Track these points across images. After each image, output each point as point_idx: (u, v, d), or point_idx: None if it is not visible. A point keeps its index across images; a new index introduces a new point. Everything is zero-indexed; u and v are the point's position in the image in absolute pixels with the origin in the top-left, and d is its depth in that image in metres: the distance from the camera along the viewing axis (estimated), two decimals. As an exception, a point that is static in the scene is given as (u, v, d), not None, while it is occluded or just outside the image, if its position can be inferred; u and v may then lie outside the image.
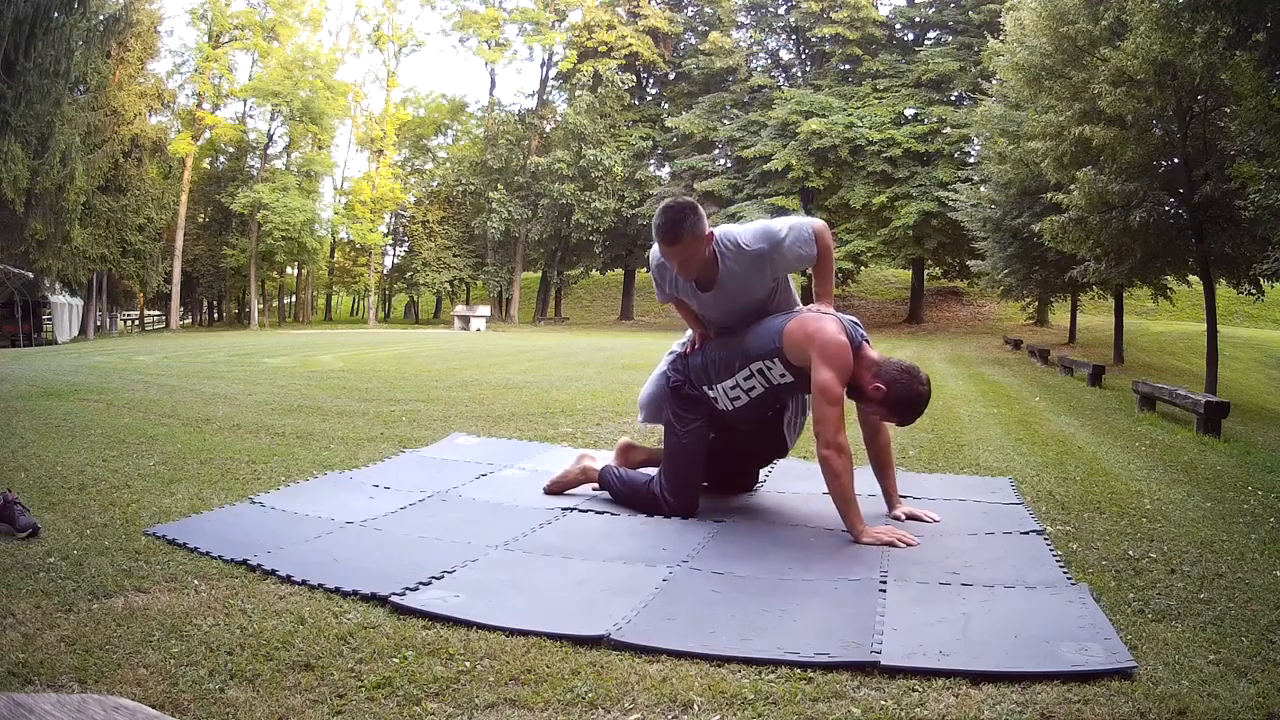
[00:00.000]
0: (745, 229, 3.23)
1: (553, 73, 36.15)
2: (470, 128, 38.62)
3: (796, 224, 3.21)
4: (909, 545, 2.91)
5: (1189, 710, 1.77)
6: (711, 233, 3.14)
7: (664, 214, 3.09)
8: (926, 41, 31.81)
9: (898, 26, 32.44)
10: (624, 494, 3.46)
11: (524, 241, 34.32)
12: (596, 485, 3.65)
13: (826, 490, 3.14)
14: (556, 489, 3.67)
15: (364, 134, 37.15)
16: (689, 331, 3.49)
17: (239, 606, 2.30)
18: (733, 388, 3.24)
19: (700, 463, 3.36)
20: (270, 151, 34.64)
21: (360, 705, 1.79)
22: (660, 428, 3.72)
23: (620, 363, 11.52)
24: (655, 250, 3.25)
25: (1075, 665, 1.95)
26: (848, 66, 31.31)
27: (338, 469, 4.12)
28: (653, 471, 3.47)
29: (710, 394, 3.29)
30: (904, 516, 3.26)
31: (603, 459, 3.75)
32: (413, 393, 7.52)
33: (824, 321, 3.12)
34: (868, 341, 3.21)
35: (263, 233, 31.14)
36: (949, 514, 3.35)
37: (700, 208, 3.15)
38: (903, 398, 3.07)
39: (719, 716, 1.77)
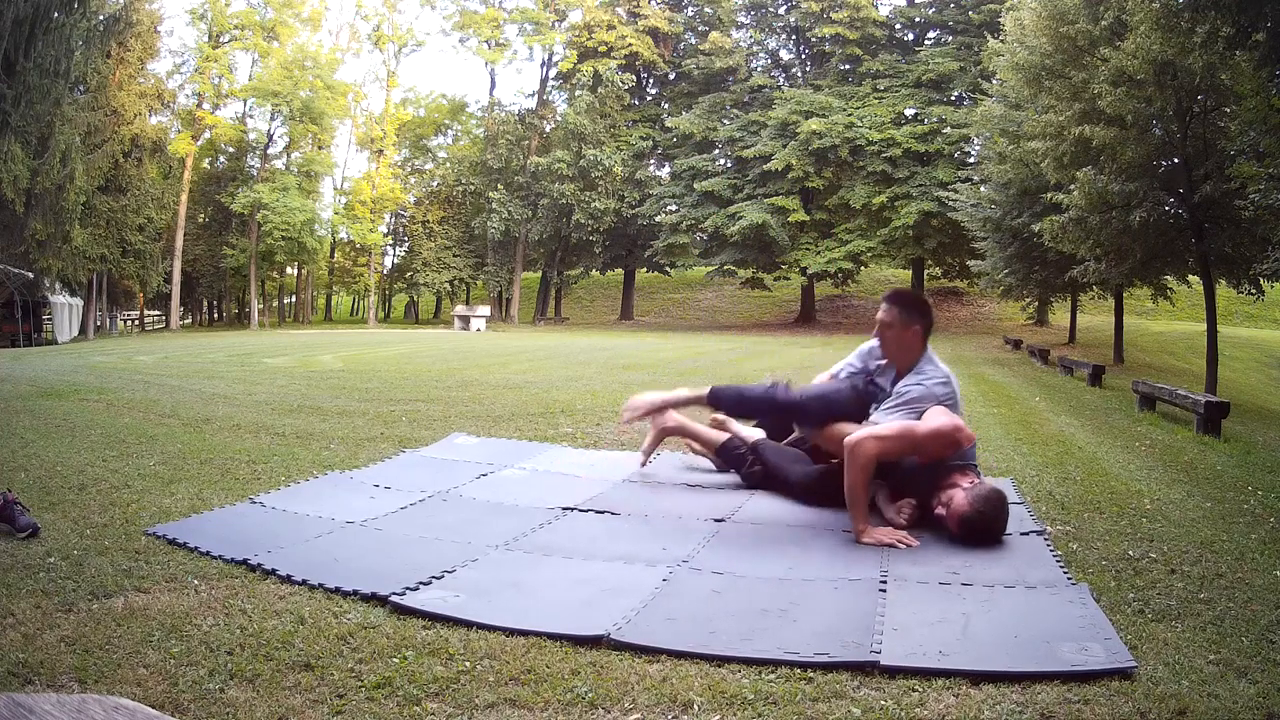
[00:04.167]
0: (928, 394, 3.30)
1: (553, 73, 36.16)
2: (470, 128, 38.61)
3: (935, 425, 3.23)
4: (909, 546, 2.91)
5: (1189, 710, 1.77)
6: (925, 345, 3.37)
7: (904, 291, 3.58)
8: (926, 41, 31.82)
9: (898, 26, 32.45)
10: (738, 399, 3.56)
11: (524, 241, 34.31)
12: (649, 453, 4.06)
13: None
14: (646, 453, 4.12)
15: (364, 134, 37.13)
16: (869, 343, 3.62)
17: (239, 606, 2.30)
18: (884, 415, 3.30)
19: (840, 410, 3.41)
20: (270, 151, 34.63)
21: (360, 705, 1.79)
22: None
23: (620, 363, 11.52)
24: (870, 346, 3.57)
25: (1075, 665, 1.95)
26: (848, 66, 31.31)
27: (338, 469, 4.12)
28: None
29: (872, 411, 3.36)
30: (906, 520, 3.24)
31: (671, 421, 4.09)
32: (413, 393, 7.52)
33: (955, 422, 3.17)
34: (976, 471, 3.23)
35: (263, 233, 31.12)
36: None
37: (923, 307, 3.44)
38: (970, 518, 2.99)
39: (719, 716, 1.77)
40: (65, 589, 2.38)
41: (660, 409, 3.84)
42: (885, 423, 3.19)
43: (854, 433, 3.13)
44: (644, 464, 4.13)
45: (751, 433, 4.03)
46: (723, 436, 3.99)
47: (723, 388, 3.69)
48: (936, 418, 3.14)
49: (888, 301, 3.44)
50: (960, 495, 3.00)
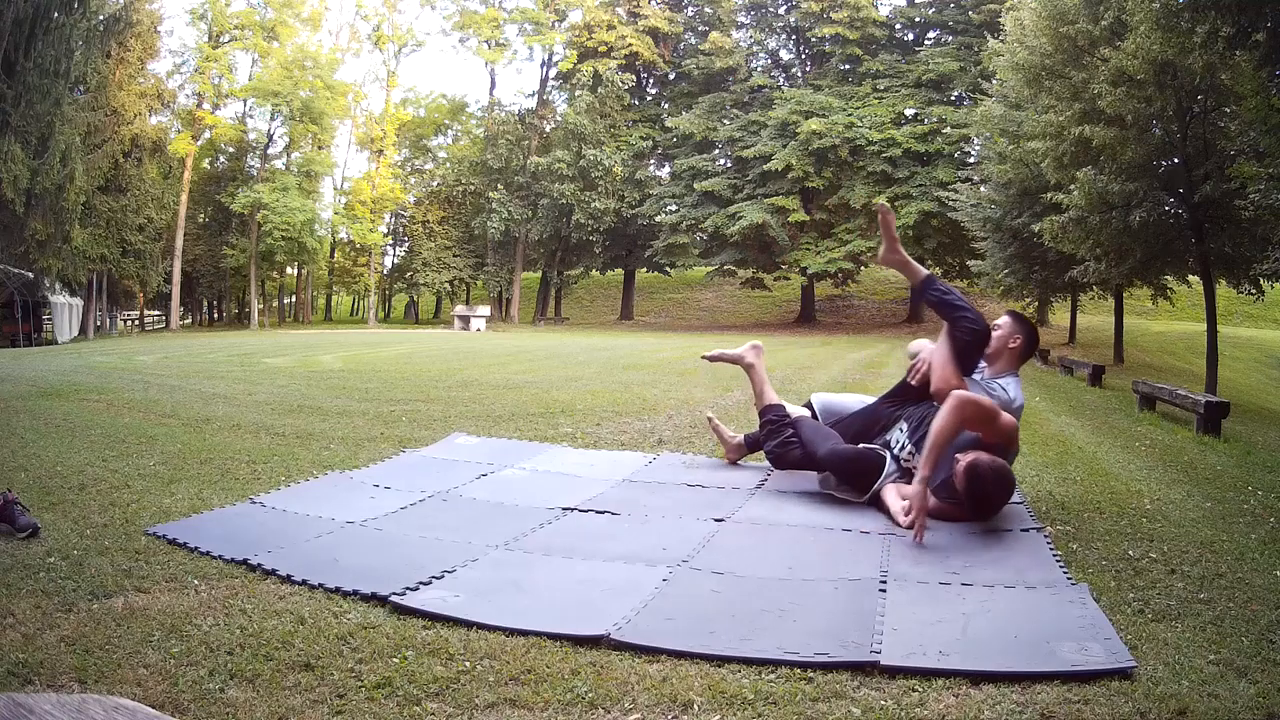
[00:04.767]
0: (1006, 400, 3.53)
1: (553, 73, 36.17)
2: (470, 128, 38.61)
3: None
4: (917, 540, 2.92)
5: (1189, 710, 1.77)
6: (1018, 364, 3.68)
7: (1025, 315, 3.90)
8: (926, 41, 31.83)
9: (898, 26, 32.45)
10: (952, 295, 3.66)
11: (524, 241, 34.31)
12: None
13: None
14: (716, 357, 4.40)
15: (364, 134, 37.13)
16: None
17: (239, 606, 2.30)
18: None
19: (974, 365, 3.59)
20: (270, 151, 34.63)
21: (360, 705, 1.79)
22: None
23: (620, 363, 11.52)
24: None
25: (1075, 665, 1.95)
26: (848, 66, 31.32)
27: (338, 469, 4.12)
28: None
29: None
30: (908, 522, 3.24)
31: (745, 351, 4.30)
32: (413, 393, 7.52)
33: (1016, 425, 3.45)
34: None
35: (263, 233, 31.11)
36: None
37: (1031, 332, 3.72)
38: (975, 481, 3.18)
39: (719, 716, 1.77)
40: (65, 589, 2.38)
41: (893, 244, 3.74)
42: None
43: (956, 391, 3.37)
44: (711, 357, 4.45)
45: (795, 410, 4.13)
46: (774, 399, 4.07)
47: (939, 279, 3.82)
48: (1007, 415, 3.42)
49: (1008, 314, 3.83)
50: (984, 455, 3.21)
